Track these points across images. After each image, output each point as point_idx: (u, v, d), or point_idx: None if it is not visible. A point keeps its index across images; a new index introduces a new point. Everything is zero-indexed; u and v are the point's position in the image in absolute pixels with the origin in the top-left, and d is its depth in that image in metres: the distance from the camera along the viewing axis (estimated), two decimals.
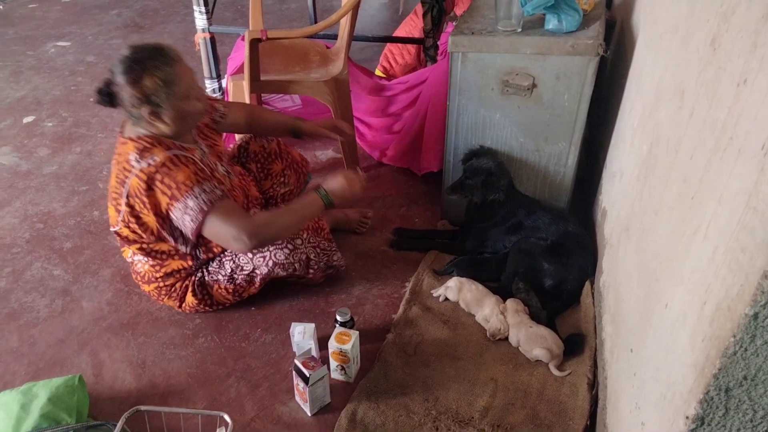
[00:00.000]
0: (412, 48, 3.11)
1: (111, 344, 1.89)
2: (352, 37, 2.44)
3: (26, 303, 2.05)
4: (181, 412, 1.54)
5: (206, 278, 1.87)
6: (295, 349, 1.76)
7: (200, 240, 1.76)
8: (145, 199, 1.59)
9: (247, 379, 1.75)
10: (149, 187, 1.57)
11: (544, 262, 1.98)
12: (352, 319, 1.81)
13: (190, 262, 1.83)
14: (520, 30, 1.91)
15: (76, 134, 3.13)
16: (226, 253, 1.85)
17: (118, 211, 1.67)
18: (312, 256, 1.89)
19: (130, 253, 1.84)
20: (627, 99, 1.86)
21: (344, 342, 1.67)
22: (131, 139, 1.60)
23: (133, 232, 1.70)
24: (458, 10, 2.82)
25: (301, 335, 1.72)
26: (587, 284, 1.96)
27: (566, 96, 1.89)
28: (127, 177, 1.59)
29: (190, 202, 1.56)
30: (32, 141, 3.07)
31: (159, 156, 1.57)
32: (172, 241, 1.73)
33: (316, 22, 2.89)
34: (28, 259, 2.25)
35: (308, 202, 1.76)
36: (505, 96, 1.96)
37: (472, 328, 1.91)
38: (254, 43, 2.18)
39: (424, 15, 2.62)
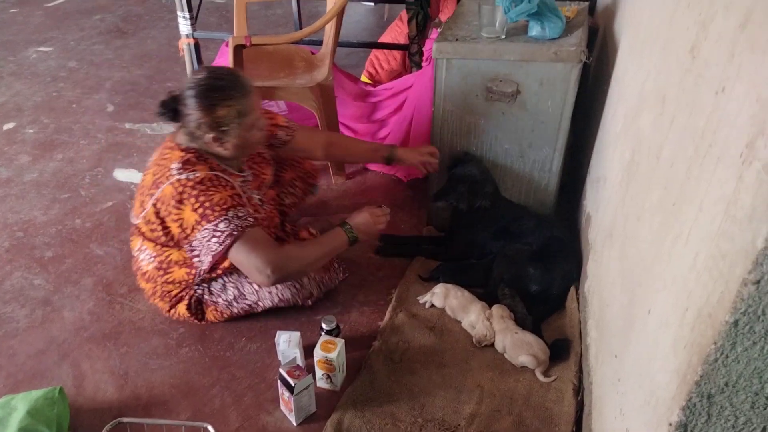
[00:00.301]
0: (397, 54, 3.12)
1: (93, 355, 1.86)
2: (338, 43, 2.44)
3: (5, 313, 2.01)
4: (164, 423, 1.52)
5: (205, 297, 1.84)
6: (280, 357, 1.75)
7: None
8: (173, 210, 1.56)
9: (232, 389, 1.73)
10: (181, 201, 1.54)
11: (530, 267, 1.98)
12: (337, 327, 1.80)
13: (194, 273, 1.78)
14: (503, 37, 1.92)
15: (57, 141, 3.09)
16: (230, 277, 1.81)
17: (143, 208, 1.64)
18: (315, 292, 1.91)
19: (138, 244, 1.78)
20: (610, 105, 1.88)
21: (330, 350, 1.66)
22: (179, 147, 1.58)
23: (152, 231, 1.67)
24: (443, 17, 2.83)
25: (287, 344, 1.70)
26: (572, 289, 1.97)
27: (550, 102, 1.91)
28: (162, 182, 1.56)
29: (221, 225, 1.53)
30: (13, 148, 3.03)
31: (200, 172, 1.54)
32: (189, 253, 1.68)
33: (301, 29, 2.88)
34: (7, 269, 2.21)
35: (333, 238, 1.75)
36: (489, 102, 1.96)
37: (458, 334, 1.91)
38: (238, 50, 2.17)
39: (409, 21, 2.63)
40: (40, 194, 2.65)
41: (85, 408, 1.68)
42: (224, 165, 1.64)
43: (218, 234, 1.53)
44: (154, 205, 1.60)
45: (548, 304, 1.98)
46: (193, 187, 1.52)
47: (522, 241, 2.05)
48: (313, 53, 2.69)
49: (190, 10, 2.88)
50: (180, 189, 1.53)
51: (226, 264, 1.73)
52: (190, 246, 1.63)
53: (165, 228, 1.63)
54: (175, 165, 1.55)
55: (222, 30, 4.57)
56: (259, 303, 1.86)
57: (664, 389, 0.92)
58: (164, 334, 1.93)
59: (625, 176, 1.49)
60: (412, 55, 2.71)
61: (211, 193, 1.53)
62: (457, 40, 1.92)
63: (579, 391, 1.67)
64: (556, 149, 2.01)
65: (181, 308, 1.85)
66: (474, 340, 1.85)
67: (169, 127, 3.10)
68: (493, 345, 1.85)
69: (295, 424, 1.61)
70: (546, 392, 1.69)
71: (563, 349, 1.80)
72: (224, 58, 2.54)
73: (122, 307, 2.04)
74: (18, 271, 2.19)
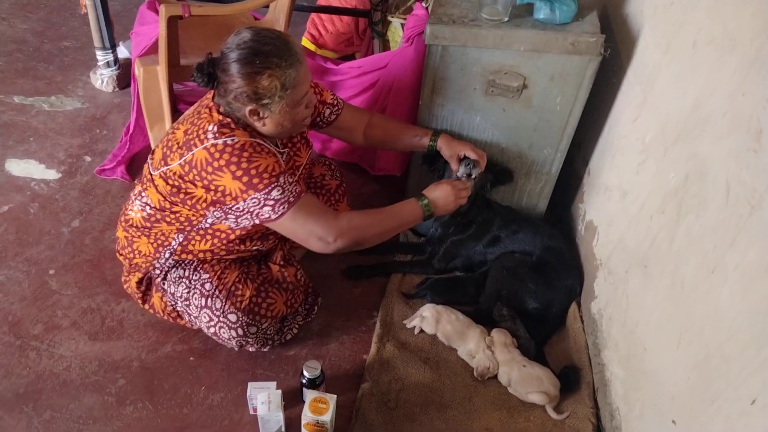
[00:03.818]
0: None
1: (4, 425, 1.45)
2: (293, 7, 2.03)
3: None
4: None
5: (158, 280, 1.62)
6: (260, 426, 1.43)
7: (200, 235, 1.52)
8: (207, 176, 1.37)
9: None
10: (220, 168, 1.35)
11: (530, 282, 1.78)
12: (322, 373, 1.50)
13: (173, 238, 1.54)
14: (507, 19, 1.62)
15: None
16: (192, 274, 1.56)
17: (165, 163, 1.44)
18: (271, 341, 1.65)
19: (138, 190, 1.56)
20: (625, 105, 1.65)
21: (321, 412, 1.37)
22: (218, 110, 1.40)
23: (167, 187, 1.45)
24: None
25: (265, 406, 1.39)
26: (574, 306, 1.80)
27: (559, 99, 1.65)
28: (195, 145, 1.37)
29: (275, 193, 1.38)
30: None
31: (240, 138, 1.36)
32: (212, 216, 1.47)
33: None
34: None
35: (406, 210, 1.57)
36: (489, 97, 1.68)
37: (455, 365, 1.68)
38: (173, 21, 1.71)
39: None
40: None
41: None
42: (261, 139, 1.44)
43: (271, 202, 1.38)
44: (182, 166, 1.40)
45: (547, 322, 1.79)
46: (232, 154, 1.35)
47: (520, 251, 1.83)
48: (256, 19, 2.24)
49: None
50: (217, 155, 1.35)
51: (201, 254, 1.56)
52: (224, 209, 1.44)
53: (187, 192, 1.43)
54: (211, 127, 1.37)
55: None
56: (196, 323, 1.60)
57: None
58: (100, 388, 1.55)
59: (672, 204, 1.28)
60: (374, 23, 2.33)
61: (255, 159, 1.36)
62: (454, 22, 1.60)
63: (598, 430, 1.51)
64: (558, 150, 1.78)
65: (133, 280, 1.65)
66: (476, 373, 1.64)
67: (74, 103, 2.54)
68: (495, 377, 1.65)
69: None
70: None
71: (573, 380, 1.63)
72: (147, 27, 2.03)
73: (39, 354, 1.61)
74: None
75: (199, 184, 1.39)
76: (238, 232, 1.51)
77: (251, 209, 1.39)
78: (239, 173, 1.35)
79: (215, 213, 1.45)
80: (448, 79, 1.66)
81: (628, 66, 1.66)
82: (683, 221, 1.23)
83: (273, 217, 1.40)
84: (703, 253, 1.13)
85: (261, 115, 1.38)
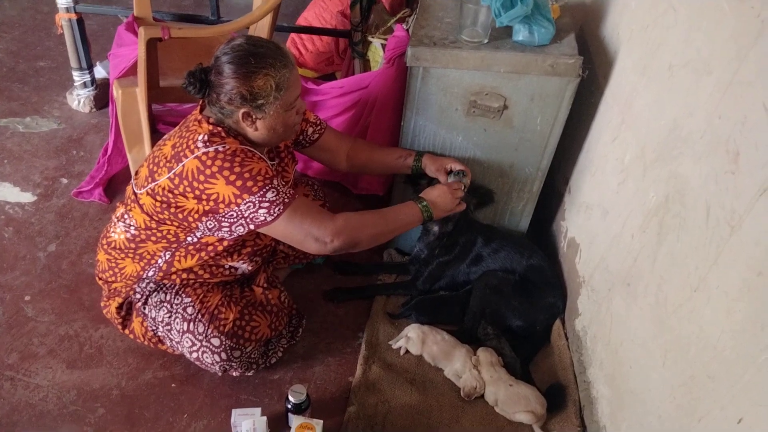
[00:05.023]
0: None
1: None
2: (274, 28, 2.03)
3: None
4: None
5: (138, 304, 1.58)
6: None
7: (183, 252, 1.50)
8: (197, 185, 1.36)
9: None
10: (212, 175, 1.34)
11: (513, 300, 1.78)
12: (308, 398, 1.48)
13: (160, 256, 1.52)
14: (486, 41, 1.64)
15: None
16: (174, 298, 1.54)
17: (152, 180, 1.42)
18: (254, 365, 1.63)
19: (121, 212, 1.55)
20: (604, 125, 1.68)
21: None
22: (208, 121, 1.40)
23: (156, 204, 1.43)
24: (385, 1, 2.48)
25: None
26: (558, 323, 1.81)
27: (539, 119, 1.68)
28: (185, 156, 1.36)
29: (270, 195, 1.37)
30: None
31: (231, 145, 1.37)
32: (205, 228, 1.45)
33: (218, 13, 2.38)
34: None
35: (405, 212, 1.57)
36: (470, 117, 1.69)
37: (442, 385, 1.68)
38: (152, 43, 1.70)
39: (352, 6, 2.25)
40: None
41: None
42: (252, 146, 1.44)
43: (266, 204, 1.37)
44: (171, 179, 1.38)
45: (532, 340, 1.80)
46: (225, 159, 1.35)
47: (503, 269, 1.84)
48: None
49: None
50: (209, 162, 1.34)
51: (184, 274, 1.54)
52: (217, 218, 1.41)
53: (177, 205, 1.41)
54: (201, 137, 1.37)
55: (114, 4, 3.63)
56: (178, 348, 1.57)
57: None
58: (78, 418, 1.51)
59: (653, 224, 1.30)
60: (354, 44, 2.34)
61: (248, 164, 1.36)
62: (435, 44, 1.61)
63: None
64: (539, 169, 1.80)
65: (113, 305, 1.62)
66: (462, 393, 1.63)
67: (49, 124, 2.50)
68: (482, 396, 1.64)
69: None
70: None
71: (560, 398, 1.64)
72: (126, 48, 2.01)
73: (14, 384, 1.57)
74: None
75: (191, 195, 1.37)
76: (225, 243, 1.49)
77: (246, 214, 1.37)
78: (232, 177, 1.34)
79: (208, 223, 1.43)
80: (430, 100, 1.67)
81: (605, 87, 1.69)
82: (665, 241, 1.25)
83: (269, 219, 1.38)
84: (685, 273, 1.15)
85: (254, 117, 1.38)
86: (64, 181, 2.22)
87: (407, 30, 1.81)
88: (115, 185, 2.20)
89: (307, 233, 1.42)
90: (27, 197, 2.14)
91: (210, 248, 1.50)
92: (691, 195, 1.17)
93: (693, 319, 1.11)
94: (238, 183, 1.34)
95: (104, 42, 3.03)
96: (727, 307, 1.01)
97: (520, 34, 1.64)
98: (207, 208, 1.38)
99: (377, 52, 2.35)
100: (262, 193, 1.36)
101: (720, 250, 1.05)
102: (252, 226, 1.41)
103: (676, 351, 1.16)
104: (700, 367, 1.06)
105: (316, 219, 1.43)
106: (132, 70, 1.93)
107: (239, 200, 1.35)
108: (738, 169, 1.02)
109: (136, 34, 2.00)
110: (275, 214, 1.38)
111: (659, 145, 1.33)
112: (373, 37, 2.34)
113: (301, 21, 2.90)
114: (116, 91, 1.89)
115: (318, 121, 1.72)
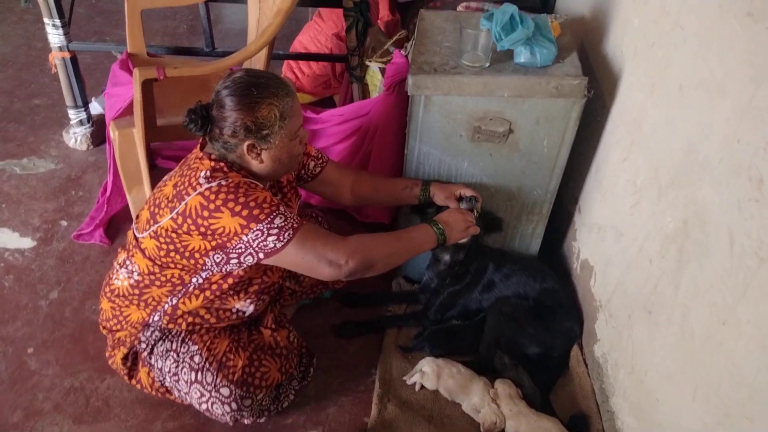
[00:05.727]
0: None
1: None
2: (270, 58, 2.00)
3: None
4: None
5: (144, 354, 1.54)
6: None
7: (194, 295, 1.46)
8: (201, 222, 1.32)
9: None
10: (217, 209, 1.31)
11: (528, 326, 1.73)
12: None
13: (166, 301, 1.48)
14: (487, 65, 1.60)
15: None
16: (180, 347, 1.49)
17: (155, 222, 1.39)
18: (266, 411, 1.59)
19: (123, 258, 1.51)
20: (612, 145, 1.64)
21: None
22: (210, 158, 1.37)
23: (161, 247, 1.39)
24: (380, 23, 2.45)
25: None
26: (576, 349, 1.76)
27: (546, 142, 1.63)
28: (188, 194, 1.33)
29: (278, 221, 1.33)
30: None
31: (233, 178, 1.34)
32: (208, 267, 1.41)
33: (212, 44, 2.36)
34: None
35: (419, 234, 1.54)
36: (475, 143, 1.65)
37: (461, 421, 1.62)
38: (148, 84, 1.66)
39: (348, 30, 2.22)
40: None
41: None
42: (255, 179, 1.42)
43: (275, 231, 1.33)
44: (174, 219, 1.34)
45: (550, 367, 1.75)
46: (228, 192, 1.32)
47: (516, 295, 1.79)
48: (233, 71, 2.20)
49: (61, 15, 2.25)
50: (212, 197, 1.31)
51: (190, 318, 1.50)
52: (225, 251, 1.36)
53: (182, 244, 1.37)
54: (203, 173, 1.34)
55: (107, 38, 3.50)
56: (186, 398, 1.52)
57: None
58: None
59: (673, 250, 1.26)
60: (352, 68, 2.31)
61: (252, 194, 1.33)
62: (435, 71, 1.57)
63: None
64: (548, 191, 1.75)
65: (119, 356, 1.57)
66: (482, 429, 1.58)
67: (47, 164, 2.47)
68: (503, 431, 1.59)
69: None
70: None
71: (583, 429, 1.58)
72: (122, 88, 1.97)
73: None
74: None
75: (195, 233, 1.34)
76: (231, 281, 1.45)
77: (254, 244, 1.33)
78: (238, 208, 1.31)
79: (215, 257, 1.38)
80: (433, 127, 1.63)
81: (611, 106, 1.65)
82: (686, 268, 1.20)
83: (278, 246, 1.33)
84: (711, 304, 1.10)
85: (260, 149, 1.36)
86: (64, 223, 2.19)
87: (406, 56, 1.78)
88: (115, 225, 2.16)
89: (321, 257, 1.37)
90: (26, 242, 2.10)
91: (215, 287, 1.46)
92: (712, 221, 1.13)
93: (723, 353, 1.06)
94: (244, 213, 1.31)
95: (99, 76, 3.01)
96: (761, 344, 0.96)
97: (522, 56, 1.60)
98: (213, 244, 1.34)
99: (375, 76, 2.31)
100: (269, 219, 1.32)
101: (748, 281, 1.00)
102: (261, 255, 1.35)
103: (706, 386, 1.11)
104: (735, 407, 1.01)
105: (329, 241, 1.39)
106: (128, 110, 1.89)
107: (246, 230, 1.31)
108: (762, 197, 0.98)
109: (130, 72, 1.97)
110: (285, 240, 1.33)
111: (674, 168, 1.28)
112: (370, 61, 2.31)
113: (296, 44, 2.88)
114: (113, 133, 1.86)
115: (320, 155, 1.69)
